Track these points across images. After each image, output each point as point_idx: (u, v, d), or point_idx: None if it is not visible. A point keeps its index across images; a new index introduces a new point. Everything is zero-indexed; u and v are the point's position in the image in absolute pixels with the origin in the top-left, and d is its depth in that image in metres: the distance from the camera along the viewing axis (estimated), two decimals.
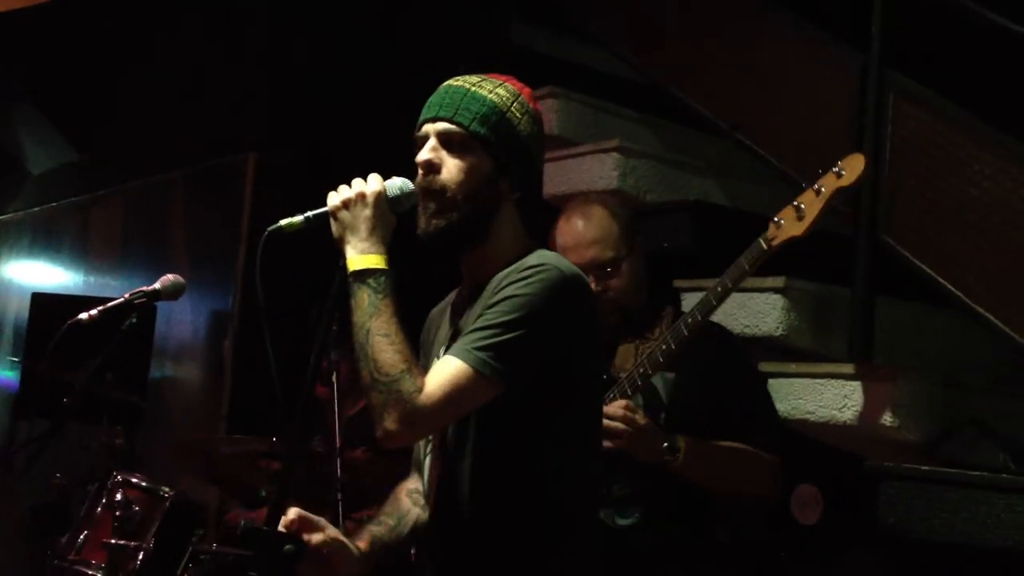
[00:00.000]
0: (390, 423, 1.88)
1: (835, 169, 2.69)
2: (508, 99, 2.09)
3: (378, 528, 2.21)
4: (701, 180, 4.10)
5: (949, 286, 3.14)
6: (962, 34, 3.30)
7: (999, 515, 2.44)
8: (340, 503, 3.58)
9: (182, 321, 5.58)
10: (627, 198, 3.74)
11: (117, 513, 3.84)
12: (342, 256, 2.01)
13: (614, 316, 2.77)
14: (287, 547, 1.96)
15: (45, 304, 5.44)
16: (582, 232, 2.81)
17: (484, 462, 2.01)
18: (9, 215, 7.48)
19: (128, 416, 4.53)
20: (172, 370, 5.65)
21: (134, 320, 3.00)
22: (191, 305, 5.47)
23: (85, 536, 3.91)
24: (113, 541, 3.80)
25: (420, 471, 2.26)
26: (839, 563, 3.29)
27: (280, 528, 2.00)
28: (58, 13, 5.55)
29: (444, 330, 2.20)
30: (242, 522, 2.11)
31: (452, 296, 2.25)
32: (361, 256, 1.98)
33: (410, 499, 2.26)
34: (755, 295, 3.32)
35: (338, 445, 3.72)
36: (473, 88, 2.09)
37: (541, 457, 2.02)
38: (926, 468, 2.65)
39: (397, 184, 2.06)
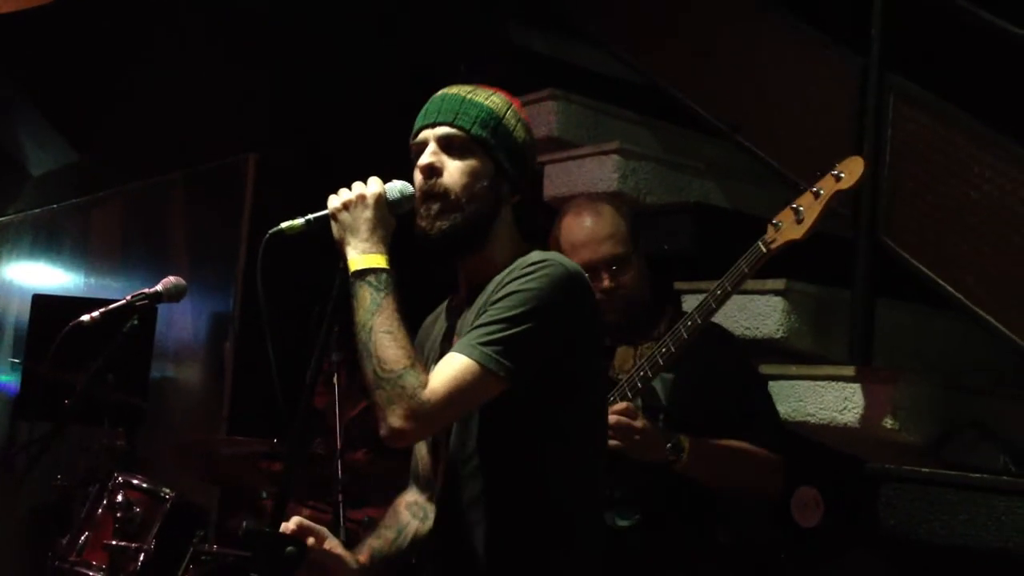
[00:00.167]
0: (395, 420, 1.88)
1: (834, 172, 2.68)
2: (503, 106, 2.12)
3: (377, 541, 2.21)
4: (701, 182, 4.11)
5: (949, 288, 3.14)
6: (962, 37, 3.30)
7: (999, 517, 2.44)
8: (341, 505, 3.58)
9: (183, 322, 5.58)
10: (627, 200, 3.74)
11: (118, 514, 3.84)
12: (343, 258, 2.01)
13: (618, 315, 2.77)
14: (288, 549, 1.96)
15: (46, 305, 5.43)
16: (595, 228, 2.81)
17: (492, 460, 2.01)
18: (10, 216, 7.48)
19: (129, 417, 4.53)
20: (173, 371, 5.65)
21: (135, 322, 3.00)
22: (192, 307, 5.48)
23: (86, 537, 3.91)
24: (114, 542, 3.80)
25: (419, 482, 2.26)
26: (839, 565, 3.29)
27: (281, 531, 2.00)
28: (58, 13, 5.54)
29: (439, 334, 2.20)
30: (244, 523, 2.11)
31: (445, 304, 2.26)
32: (362, 256, 1.98)
33: (409, 512, 2.27)
34: (756, 297, 3.33)
35: (339, 447, 3.72)
36: (469, 95, 2.11)
37: (543, 454, 2.02)
38: (926, 470, 2.65)
39: (397, 187, 2.06)
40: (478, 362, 1.90)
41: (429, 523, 2.21)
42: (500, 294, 1.96)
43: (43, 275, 6.97)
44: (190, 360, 5.60)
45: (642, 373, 2.70)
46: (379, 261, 1.98)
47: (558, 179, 4.01)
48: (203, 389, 5.44)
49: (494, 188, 2.08)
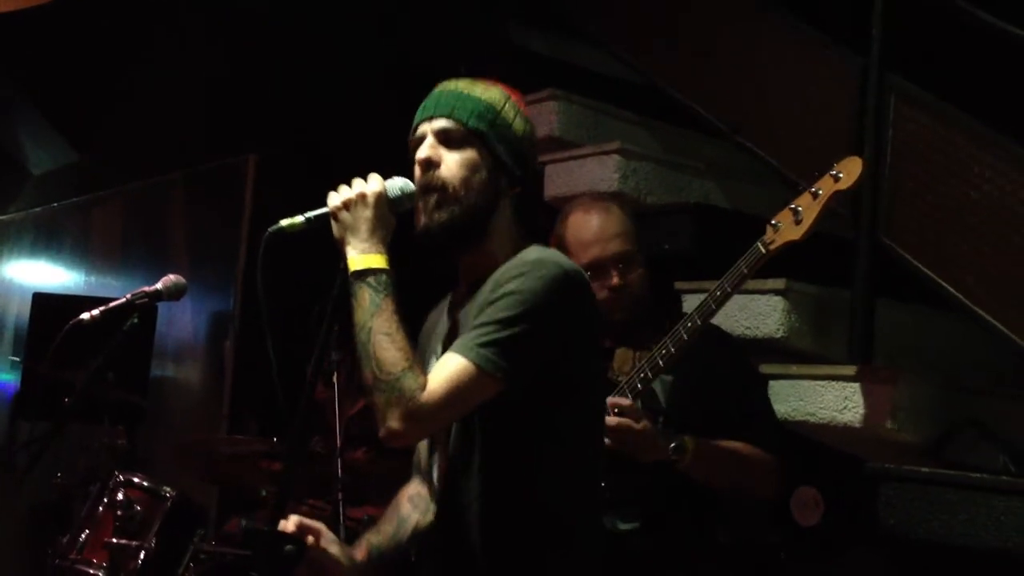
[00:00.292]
0: (393, 422, 1.88)
1: (832, 172, 2.68)
2: (501, 99, 2.12)
3: (376, 537, 2.21)
4: (701, 182, 4.11)
5: (949, 288, 3.14)
6: (962, 37, 3.30)
7: (999, 517, 2.44)
8: (341, 503, 3.58)
9: (183, 321, 5.58)
10: (628, 200, 3.74)
11: (118, 513, 3.84)
12: (343, 257, 2.01)
13: (625, 313, 2.77)
14: (288, 547, 1.96)
15: (46, 304, 5.44)
16: (605, 226, 2.80)
17: (489, 461, 2.01)
18: (10, 215, 7.49)
19: (129, 416, 4.54)
20: (173, 370, 5.66)
21: (135, 320, 3.00)
22: (192, 305, 5.48)
23: (86, 536, 3.91)
24: (114, 541, 3.81)
25: (421, 475, 2.26)
26: (839, 564, 3.29)
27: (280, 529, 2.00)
28: (58, 13, 5.54)
29: (441, 329, 2.20)
30: (243, 522, 2.11)
31: (449, 297, 2.26)
32: (362, 256, 1.99)
33: (411, 504, 2.27)
34: (756, 297, 3.33)
35: (339, 445, 3.72)
36: (466, 89, 2.12)
37: (541, 456, 2.02)
38: (926, 470, 2.65)
39: (398, 184, 2.06)
40: (474, 363, 1.90)
41: (430, 516, 2.21)
42: (497, 294, 1.96)
43: (43, 274, 6.98)
44: (190, 359, 5.61)
45: (642, 375, 2.70)
46: (379, 261, 1.98)
47: (558, 179, 4.02)
48: (203, 388, 5.45)
49: (492, 180, 2.08)
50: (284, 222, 2.04)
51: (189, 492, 4.12)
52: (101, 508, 3.94)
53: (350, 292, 1.97)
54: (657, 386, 2.75)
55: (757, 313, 3.34)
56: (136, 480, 3.96)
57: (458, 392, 1.90)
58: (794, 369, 3.22)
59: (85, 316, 2.91)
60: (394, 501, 2.29)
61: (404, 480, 2.33)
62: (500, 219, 2.10)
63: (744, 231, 2.81)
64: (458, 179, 2.05)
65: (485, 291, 2.01)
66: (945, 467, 2.77)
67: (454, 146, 2.07)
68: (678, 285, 3.51)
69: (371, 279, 1.96)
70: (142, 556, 3.82)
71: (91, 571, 3.82)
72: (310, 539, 2.06)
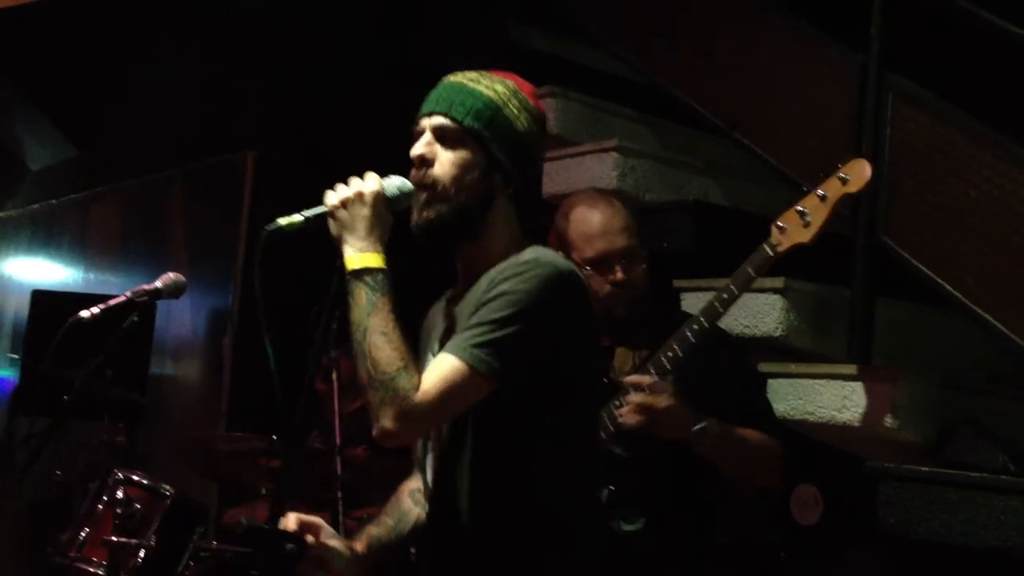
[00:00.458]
0: (387, 421, 1.89)
1: (840, 174, 2.66)
2: (505, 95, 2.10)
3: (377, 529, 2.21)
4: (700, 180, 4.11)
5: (948, 287, 3.14)
6: (961, 36, 3.30)
7: (998, 516, 2.44)
8: (340, 501, 3.58)
9: (182, 319, 5.58)
10: (627, 198, 3.74)
11: (118, 510, 3.84)
12: (340, 255, 2.01)
13: (627, 308, 2.75)
14: (288, 546, 1.96)
15: (45, 301, 5.44)
16: (610, 220, 2.78)
17: (481, 461, 2.01)
18: (8, 212, 7.48)
19: (128, 413, 4.53)
20: (172, 368, 5.66)
21: (135, 318, 3.00)
22: (191, 303, 5.48)
23: (86, 533, 3.91)
24: (114, 538, 3.80)
25: (422, 470, 2.26)
26: (839, 563, 3.29)
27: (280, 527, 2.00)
28: (58, 11, 5.55)
29: (439, 327, 2.20)
30: (243, 520, 2.11)
31: (448, 294, 2.26)
32: (359, 255, 1.98)
33: (412, 498, 2.27)
34: (755, 295, 3.32)
35: (338, 443, 3.72)
36: (470, 84, 2.10)
37: (538, 456, 2.02)
38: (926, 469, 2.65)
39: (396, 183, 2.06)
40: (468, 364, 1.90)
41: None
42: (492, 294, 1.96)
43: (42, 271, 6.97)
44: (189, 356, 5.61)
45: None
46: (376, 260, 1.98)
47: (557, 176, 4.01)
48: (202, 385, 5.45)
49: (485, 179, 2.07)
50: (282, 220, 2.04)
51: (189, 489, 4.13)
52: (100, 506, 3.94)
53: (347, 291, 1.98)
54: None
55: (756, 311, 3.33)
56: (135, 478, 3.95)
57: (451, 392, 1.90)
58: (793, 368, 3.22)
59: (85, 314, 2.91)
60: (395, 495, 2.29)
61: (403, 477, 2.33)
62: (496, 217, 2.09)
63: (743, 229, 2.82)
64: (449, 178, 2.04)
65: (480, 289, 2.00)
66: (945, 466, 2.77)
67: (449, 144, 2.06)
68: (677, 283, 3.50)
69: (368, 278, 1.96)
70: (142, 554, 3.82)
71: (91, 569, 3.82)
72: (310, 538, 2.06)
